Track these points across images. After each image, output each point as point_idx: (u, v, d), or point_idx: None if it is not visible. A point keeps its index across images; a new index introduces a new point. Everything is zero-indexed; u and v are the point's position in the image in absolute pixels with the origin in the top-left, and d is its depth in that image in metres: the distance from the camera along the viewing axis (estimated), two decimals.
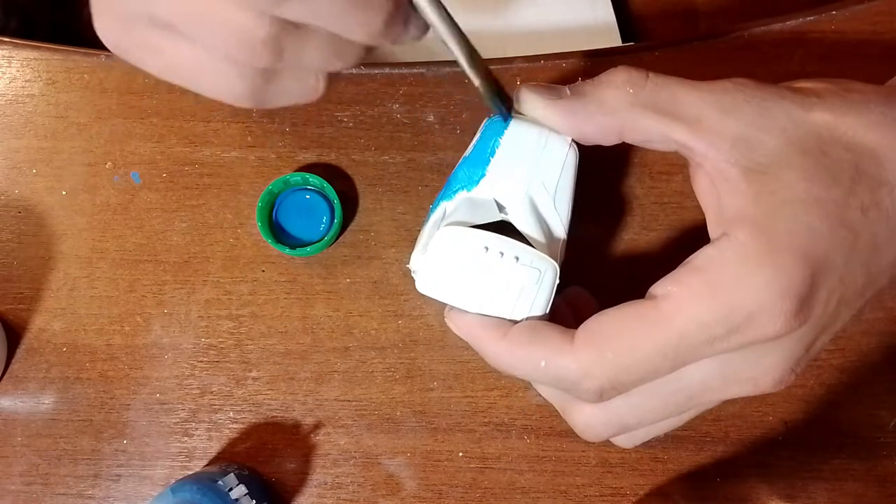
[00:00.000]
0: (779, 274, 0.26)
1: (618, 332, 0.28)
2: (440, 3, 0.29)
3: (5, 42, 0.42)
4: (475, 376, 0.40)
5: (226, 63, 0.27)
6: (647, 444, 0.39)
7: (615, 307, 0.29)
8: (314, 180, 0.39)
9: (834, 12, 0.40)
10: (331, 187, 0.39)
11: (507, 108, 0.31)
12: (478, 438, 0.39)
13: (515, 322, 0.31)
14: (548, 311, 0.31)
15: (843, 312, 0.28)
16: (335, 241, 0.40)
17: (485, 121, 0.32)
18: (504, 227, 0.31)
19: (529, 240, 0.31)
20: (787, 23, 0.40)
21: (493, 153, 0.31)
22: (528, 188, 0.31)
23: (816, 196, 0.27)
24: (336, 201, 0.39)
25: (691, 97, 0.29)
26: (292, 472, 0.40)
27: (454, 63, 0.41)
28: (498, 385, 0.39)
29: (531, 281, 0.30)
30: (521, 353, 0.30)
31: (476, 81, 0.30)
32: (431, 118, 0.41)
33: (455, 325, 0.32)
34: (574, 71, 0.40)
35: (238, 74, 0.27)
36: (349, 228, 0.41)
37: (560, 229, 0.31)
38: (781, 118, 0.28)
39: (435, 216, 0.32)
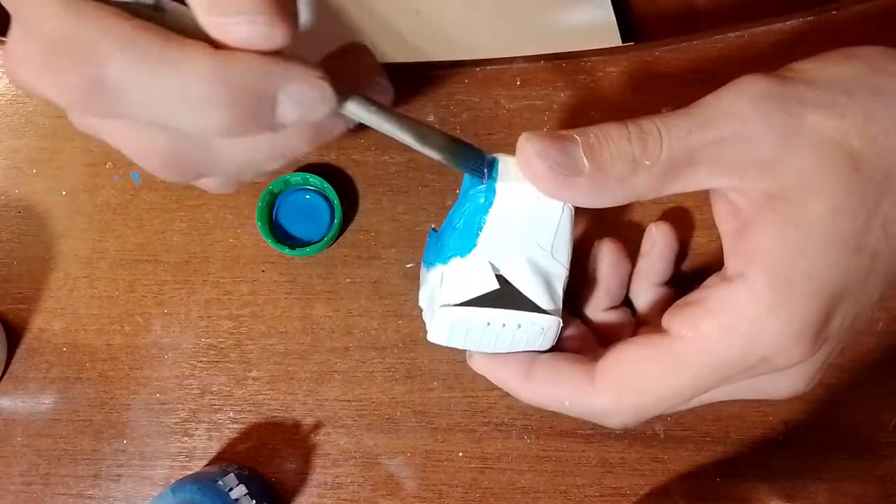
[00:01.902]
0: (794, 319, 0.26)
1: (635, 374, 0.29)
2: (372, 101, 0.27)
3: (4, 42, 0.42)
4: (475, 376, 0.39)
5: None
6: (647, 444, 0.39)
7: (631, 343, 0.30)
8: (314, 180, 0.39)
9: (834, 12, 0.40)
10: (331, 187, 0.39)
11: (482, 167, 0.29)
12: (478, 438, 0.39)
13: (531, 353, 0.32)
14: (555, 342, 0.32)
15: (857, 322, 0.28)
16: (335, 241, 0.40)
17: (463, 185, 0.31)
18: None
19: (530, 296, 0.30)
20: (787, 23, 0.40)
21: (480, 228, 0.30)
22: (523, 253, 0.30)
23: (841, 230, 0.26)
24: (336, 201, 0.39)
25: (706, 138, 0.26)
26: (292, 472, 0.40)
27: (455, 63, 0.41)
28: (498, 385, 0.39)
29: (535, 335, 0.31)
30: (546, 394, 0.31)
31: (436, 156, 0.28)
32: (431, 118, 0.41)
33: (478, 367, 0.33)
34: (574, 71, 0.40)
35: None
36: (349, 228, 0.41)
37: (561, 271, 0.31)
38: (808, 133, 0.26)
39: (433, 278, 0.32)
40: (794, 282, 0.26)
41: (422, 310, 0.33)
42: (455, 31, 0.41)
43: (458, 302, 0.30)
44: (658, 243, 0.36)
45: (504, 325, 0.30)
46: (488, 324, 0.30)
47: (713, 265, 0.39)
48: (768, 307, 0.26)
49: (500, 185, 0.29)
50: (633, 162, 0.27)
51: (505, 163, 0.29)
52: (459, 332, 0.31)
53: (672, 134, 0.27)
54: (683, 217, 0.40)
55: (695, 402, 0.31)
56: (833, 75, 0.27)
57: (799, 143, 0.26)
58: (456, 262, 0.30)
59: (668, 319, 0.29)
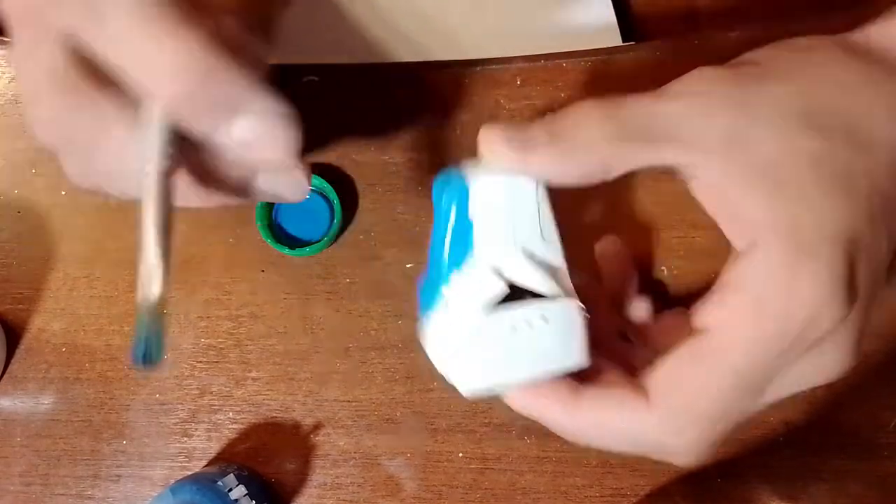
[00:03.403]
0: (821, 268, 0.26)
1: (681, 382, 0.27)
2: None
3: (5, 42, 0.42)
4: None
5: None
6: None
7: (670, 355, 0.28)
8: (314, 180, 0.39)
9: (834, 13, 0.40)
10: (331, 187, 0.39)
11: (152, 356, 0.25)
12: (478, 439, 0.39)
13: (570, 370, 0.29)
14: (588, 357, 0.29)
15: (878, 282, 0.28)
16: (335, 241, 0.40)
17: (435, 190, 0.30)
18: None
19: (540, 289, 0.29)
20: (788, 24, 0.40)
21: (469, 227, 0.29)
22: (517, 245, 0.29)
23: (825, 176, 0.26)
24: (336, 201, 0.39)
25: (669, 111, 0.28)
26: (292, 472, 0.40)
27: (455, 63, 0.41)
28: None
29: (565, 327, 0.29)
30: (601, 424, 0.29)
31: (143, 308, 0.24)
32: (431, 118, 0.41)
33: (520, 406, 0.30)
34: (574, 71, 0.40)
35: None
36: (349, 228, 0.41)
37: (557, 255, 0.30)
38: (765, 104, 0.27)
39: (440, 304, 0.30)
40: (805, 233, 0.26)
41: (444, 375, 0.31)
42: (455, 31, 0.41)
43: (477, 313, 0.29)
44: (606, 261, 0.37)
45: (530, 325, 0.28)
46: (514, 328, 0.28)
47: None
48: (792, 262, 0.26)
49: (471, 183, 0.29)
50: (595, 125, 0.28)
51: (473, 170, 0.29)
52: (488, 353, 0.29)
53: (633, 100, 0.28)
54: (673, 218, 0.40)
55: (770, 397, 0.29)
56: (768, 57, 0.29)
57: (755, 111, 0.27)
58: (456, 278, 0.29)
59: (695, 320, 0.28)
